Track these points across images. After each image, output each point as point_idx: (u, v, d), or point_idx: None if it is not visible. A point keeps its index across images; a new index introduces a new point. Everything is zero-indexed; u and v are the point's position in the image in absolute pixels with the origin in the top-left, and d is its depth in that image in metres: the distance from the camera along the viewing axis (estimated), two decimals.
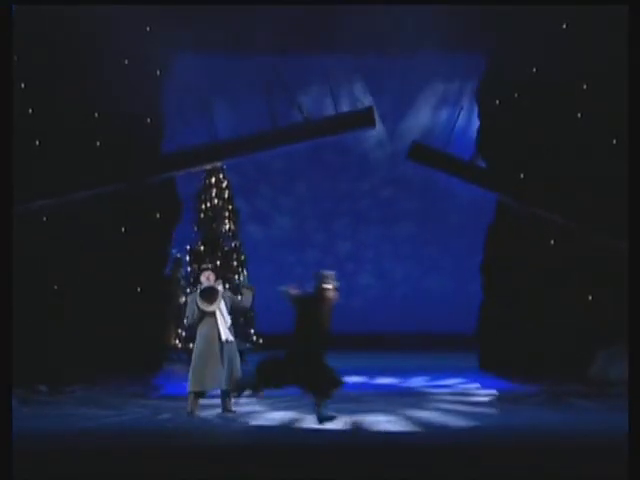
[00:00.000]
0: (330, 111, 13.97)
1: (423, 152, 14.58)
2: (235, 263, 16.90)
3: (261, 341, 16.90)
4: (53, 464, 7.80)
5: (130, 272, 14.68)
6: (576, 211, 14.07)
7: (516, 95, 14.90)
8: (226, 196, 17.12)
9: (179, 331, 16.03)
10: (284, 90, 12.98)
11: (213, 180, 17.02)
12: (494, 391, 13.10)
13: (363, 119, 14.19)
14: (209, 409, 11.08)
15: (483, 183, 14.72)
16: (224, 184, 17.17)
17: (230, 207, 17.18)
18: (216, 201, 16.96)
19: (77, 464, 7.81)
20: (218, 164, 16.01)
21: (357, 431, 9.65)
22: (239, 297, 11.49)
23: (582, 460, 7.95)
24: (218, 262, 16.47)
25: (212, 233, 16.84)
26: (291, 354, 9.81)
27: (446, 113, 19.44)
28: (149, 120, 15.07)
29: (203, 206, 16.99)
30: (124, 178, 13.96)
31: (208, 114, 13.45)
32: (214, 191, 17.00)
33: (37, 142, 13.77)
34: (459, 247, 19.79)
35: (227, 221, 17.01)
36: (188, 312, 11.03)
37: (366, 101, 15.49)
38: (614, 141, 13.85)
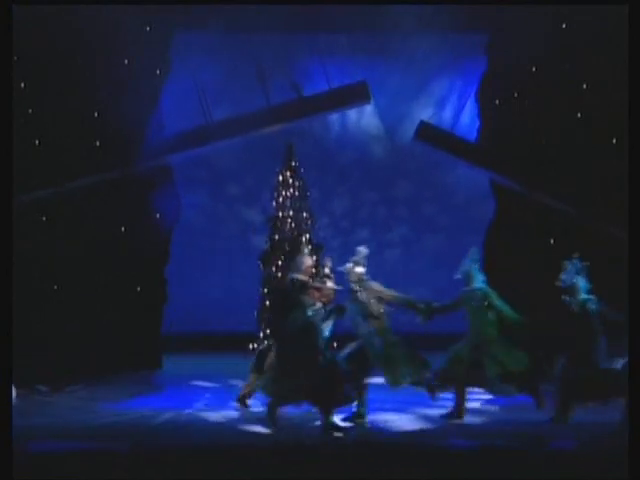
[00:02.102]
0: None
1: (431, 132, 14.56)
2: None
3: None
4: (53, 464, 7.81)
5: (130, 272, 14.68)
6: (576, 207, 14.08)
7: (516, 95, 14.89)
8: (297, 194, 16.88)
9: None
10: (280, 70, 12.99)
11: (281, 178, 16.77)
12: None
13: (357, 94, 14.16)
14: (209, 409, 11.09)
15: (490, 165, 14.71)
16: (296, 182, 16.91)
17: (303, 205, 16.98)
18: (281, 200, 16.72)
19: (77, 464, 7.81)
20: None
21: (358, 431, 9.67)
22: None
23: (582, 460, 7.96)
24: (279, 262, 16.32)
25: (279, 232, 16.64)
26: None
27: (447, 112, 19.41)
28: (149, 120, 15.05)
29: (274, 203, 16.80)
30: (122, 166, 14.01)
31: (202, 97, 13.41)
32: (282, 189, 16.78)
33: (37, 142, 13.75)
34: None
35: (290, 221, 16.78)
36: None
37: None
38: (614, 140, 13.85)
